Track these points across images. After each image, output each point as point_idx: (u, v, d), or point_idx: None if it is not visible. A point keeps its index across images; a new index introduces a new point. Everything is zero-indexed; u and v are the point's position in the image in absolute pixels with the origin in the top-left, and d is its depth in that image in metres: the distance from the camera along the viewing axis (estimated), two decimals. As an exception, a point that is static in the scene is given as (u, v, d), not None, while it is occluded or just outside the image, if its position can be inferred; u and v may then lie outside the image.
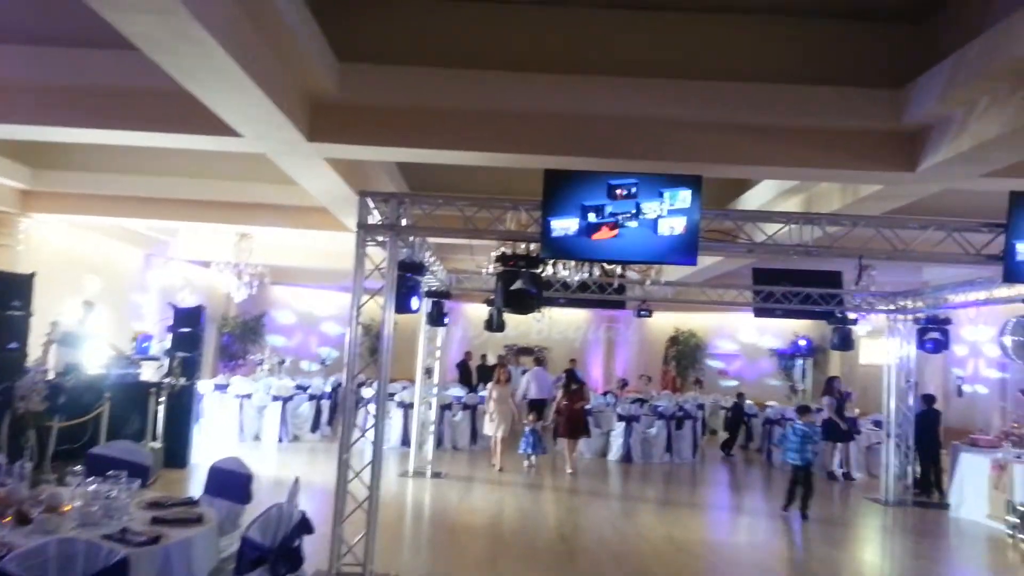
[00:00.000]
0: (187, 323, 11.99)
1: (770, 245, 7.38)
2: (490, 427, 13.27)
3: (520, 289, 7.13)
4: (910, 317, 12.29)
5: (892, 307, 12.55)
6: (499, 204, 7.34)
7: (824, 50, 6.91)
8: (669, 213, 6.53)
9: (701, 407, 17.82)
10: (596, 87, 6.86)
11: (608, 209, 6.53)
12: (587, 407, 14.06)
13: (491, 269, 11.80)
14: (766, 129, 7.22)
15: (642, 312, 16.14)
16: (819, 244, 7.25)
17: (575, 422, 13.45)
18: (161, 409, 10.93)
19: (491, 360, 20.38)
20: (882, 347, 13.33)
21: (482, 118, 7.25)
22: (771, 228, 7.53)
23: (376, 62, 6.94)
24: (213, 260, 16.28)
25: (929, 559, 9.39)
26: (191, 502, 5.19)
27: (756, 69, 6.95)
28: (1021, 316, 9.78)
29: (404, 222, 7.29)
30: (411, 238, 7.89)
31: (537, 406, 14.29)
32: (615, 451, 15.24)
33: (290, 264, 17.72)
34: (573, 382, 13.60)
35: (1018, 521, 10.02)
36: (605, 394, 17.94)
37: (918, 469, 12.76)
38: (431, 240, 9.70)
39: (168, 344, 12.02)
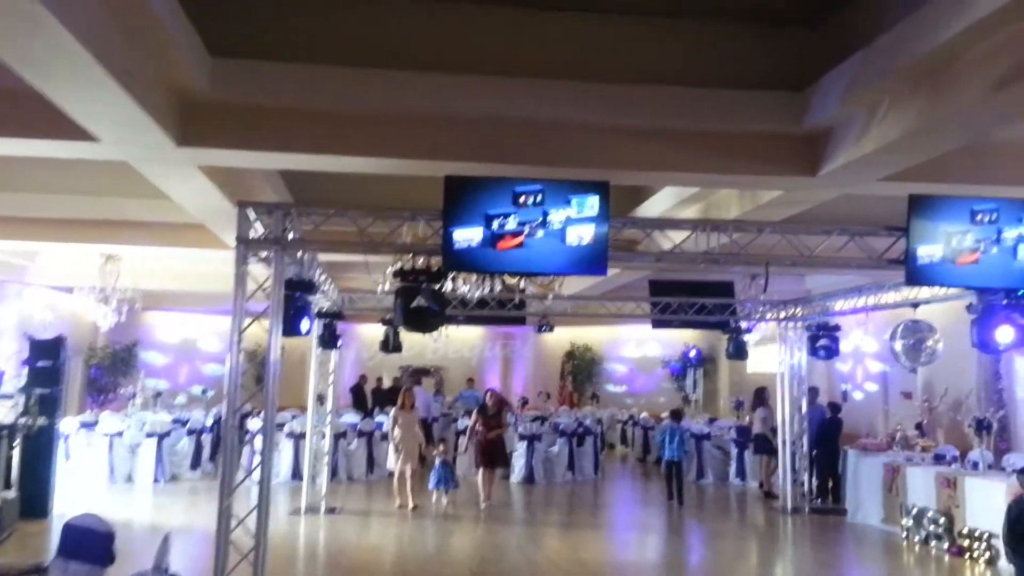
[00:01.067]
0: (45, 355, 11.00)
1: (677, 254, 7.20)
2: (394, 460, 11.66)
3: (421, 306, 6.67)
4: (800, 325, 12.51)
5: (782, 315, 12.75)
6: (396, 215, 6.82)
7: (726, 53, 6.80)
8: (577, 221, 6.21)
9: (600, 422, 17.70)
10: (498, 88, 6.47)
11: (514, 218, 6.16)
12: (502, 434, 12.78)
13: (388, 286, 11.17)
14: (670, 133, 7.05)
15: (543, 327, 15.85)
16: (726, 251, 7.10)
17: (493, 450, 12.15)
18: (16, 453, 9.95)
19: (387, 383, 19.62)
20: (770, 355, 13.52)
21: (375, 120, 6.73)
22: (676, 237, 7.35)
23: (255, 58, 6.27)
24: (76, 285, 14.88)
25: (831, 567, 9.44)
26: (39, 570, 4.43)
27: (658, 72, 6.74)
28: (909, 320, 10.00)
29: (291, 236, 6.67)
30: (299, 253, 7.25)
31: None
32: (517, 472, 14.80)
33: (165, 287, 16.44)
34: (495, 406, 12.42)
35: (912, 523, 10.21)
36: (504, 413, 17.51)
37: (815, 477, 12.93)
38: (322, 258, 9.06)
39: (24, 380, 10.89)
